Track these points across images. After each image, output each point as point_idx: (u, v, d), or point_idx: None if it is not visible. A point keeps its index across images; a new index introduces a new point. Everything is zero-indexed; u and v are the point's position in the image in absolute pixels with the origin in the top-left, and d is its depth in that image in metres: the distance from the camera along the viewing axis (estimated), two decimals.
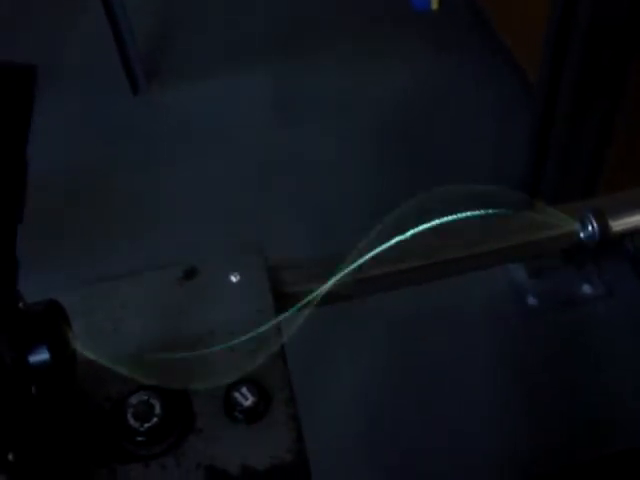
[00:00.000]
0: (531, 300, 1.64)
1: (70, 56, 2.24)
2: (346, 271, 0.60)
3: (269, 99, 2.08)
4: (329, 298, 0.62)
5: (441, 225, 0.60)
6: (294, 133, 1.99)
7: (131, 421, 0.54)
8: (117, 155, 2.00)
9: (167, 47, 2.26)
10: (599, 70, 1.26)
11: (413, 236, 0.58)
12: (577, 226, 0.58)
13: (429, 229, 0.62)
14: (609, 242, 0.58)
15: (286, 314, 0.59)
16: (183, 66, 2.21)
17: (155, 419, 0.53)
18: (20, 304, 0.50)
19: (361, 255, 0.61)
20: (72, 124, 2.07)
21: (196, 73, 2.17)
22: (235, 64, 2.17)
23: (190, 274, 0.64)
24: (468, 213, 0.61)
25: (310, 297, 0.59)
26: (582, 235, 0.58)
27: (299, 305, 0.59)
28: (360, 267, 0.64)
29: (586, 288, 1.66)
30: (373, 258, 0.65)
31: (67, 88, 2.14)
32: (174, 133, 2.03)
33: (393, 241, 0.62)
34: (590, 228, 0.58)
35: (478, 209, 0.57)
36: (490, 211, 0.61)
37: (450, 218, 0.60)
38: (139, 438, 0.53)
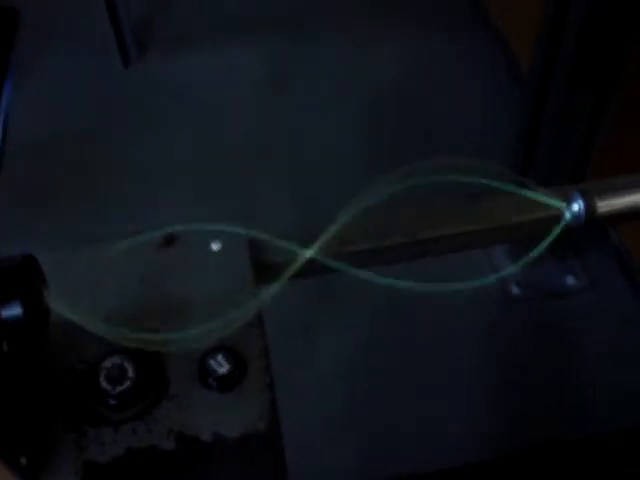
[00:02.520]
0: (514, 289, 1.64)
1: (61, 22, 2.21)
2: (323, 241, 0.59)
3: (264, 72, 2.07)
4: (309, 270, 0.62)
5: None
6: (287, 106, 1.98)
7: (104, 384, 0.53)
8: (104, 123, 1.98)
9: (161, 17, 2.24)
10: (593, 58, 1.26)
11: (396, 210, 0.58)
12: (564, 206, 0.58)
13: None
14: (595, 224, 0.57)
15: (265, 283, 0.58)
16: (177, 37, 2.18)
17: (128, 383, 0.53)
18: None
19: (342, 228, 0.60)
20: (61, 91, 2.04)
21: (190, 44, 2.15)
22: (231, 36, 2.14)
23: (169, 241, 0.63)
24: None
25: (289, 267, 0.59)
26: (568, 214, 0.58)
27: (277, 274, 0.58)
28: (342, 241, 0.63)
29: (569, 280, 1.66)
30: (355, 233, 0.65)
31: (58, 55, 2.11)
32: (164, 104, 2.01)
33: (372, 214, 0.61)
34: (577, 207, 0.57)
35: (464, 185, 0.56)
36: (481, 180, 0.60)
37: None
38: (111, 401, 0.53)
